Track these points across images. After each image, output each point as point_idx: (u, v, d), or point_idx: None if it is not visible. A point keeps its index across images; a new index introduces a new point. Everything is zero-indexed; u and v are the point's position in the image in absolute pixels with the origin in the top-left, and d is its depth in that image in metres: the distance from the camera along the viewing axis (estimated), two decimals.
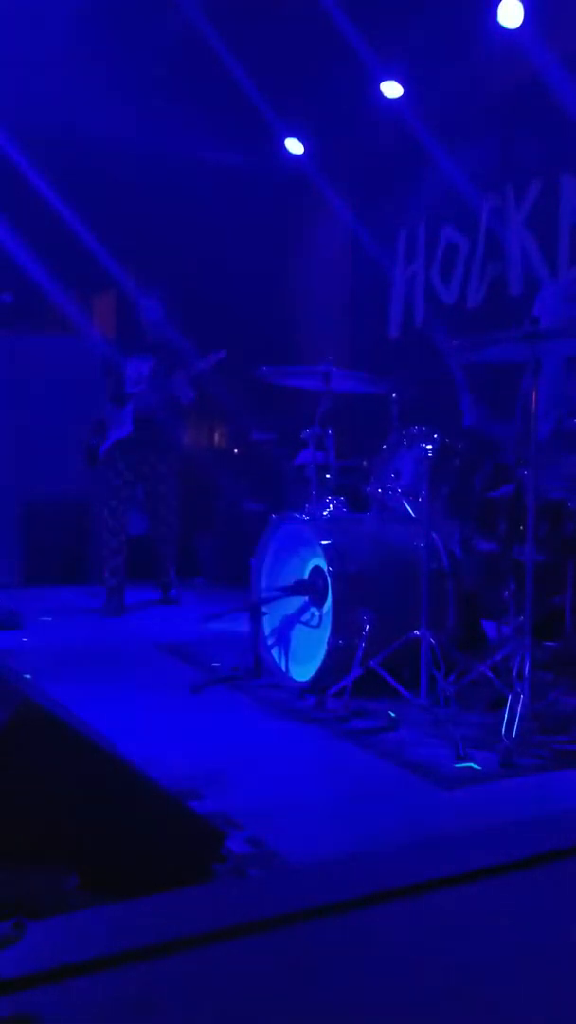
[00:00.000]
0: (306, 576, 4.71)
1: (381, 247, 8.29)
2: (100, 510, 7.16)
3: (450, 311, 7.58)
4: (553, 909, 1.13)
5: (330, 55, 6.74)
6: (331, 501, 4.86)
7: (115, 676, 4.94)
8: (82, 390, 7.93)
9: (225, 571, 7.80)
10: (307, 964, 0.98)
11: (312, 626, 4.65)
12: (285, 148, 8.33)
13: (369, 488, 4.71)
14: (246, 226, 8.85)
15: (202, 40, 6.63)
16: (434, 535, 4.52)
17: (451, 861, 1.22)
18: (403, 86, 7.11)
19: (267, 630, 4.82)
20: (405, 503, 4.52)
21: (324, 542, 4.47)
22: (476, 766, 3.43)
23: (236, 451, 9.12)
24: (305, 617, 4.72)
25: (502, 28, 6.14)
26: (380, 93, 7.17)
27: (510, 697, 3.62)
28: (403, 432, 4.60)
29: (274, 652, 4.79)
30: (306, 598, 4.71)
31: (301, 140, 8.29)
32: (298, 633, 4.75)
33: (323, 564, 4.47)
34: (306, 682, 4.46)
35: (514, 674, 3.72)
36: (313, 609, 4.67)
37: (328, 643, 4.35)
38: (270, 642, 4.81)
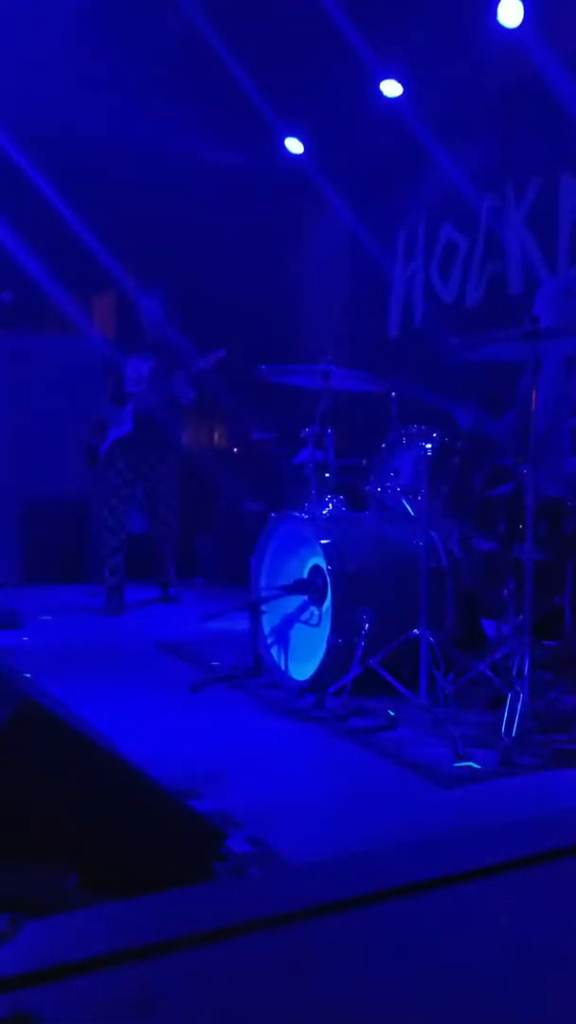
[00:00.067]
0: (305, 575, 4.71)
1: (381, 246, 8.29)
2: (100, 509, 7.17)
3: (449, 310, 7.58)
4: (553, 909, 1.13)
5: (330, 55, 6.73)
6: (330, 500, 4.86)
7: (115, 675, 4.94)
8: (82, 390, 7.94)
9: (225, 570, 7.80)
10: (307, 963, 0.98)
11: (311, 625, 4.65)
12: (285, 148, 8.33)
13: (368, 487, 4.71)
14: (246, 226, 8.85)
15: (202, 40, 6.63)
16: (433, 534, 4.52)
17: (451, 860, 1.22)
18: (403, 85, 7.10)
19: (266, 629, 4.82)
20: (404, 502, 4.52)
21: (323, 541, 4.47)
22: (475, 765, 3.43)
23: (236, 450, 9.12)
24: (304, 616, 4.72)
25: (502, 27, 6.14)
26: (380, 92, 7.17)
27: (510, 696, 3.62)
28: (402, 431, 4.60)
29: (273, 651, 4.79)
30: (305, 597, 4.71)
31: (301, 140, 8.28)
32: (297, 632, 4.75)
33: (322, 563, 4.47)
34: (305, 681, 4.46)
35: (514, 673, 3.72)
36: (312, 608, 4.67)
37: (327, 642, 4.35)
38: (269, 641, 4.81)
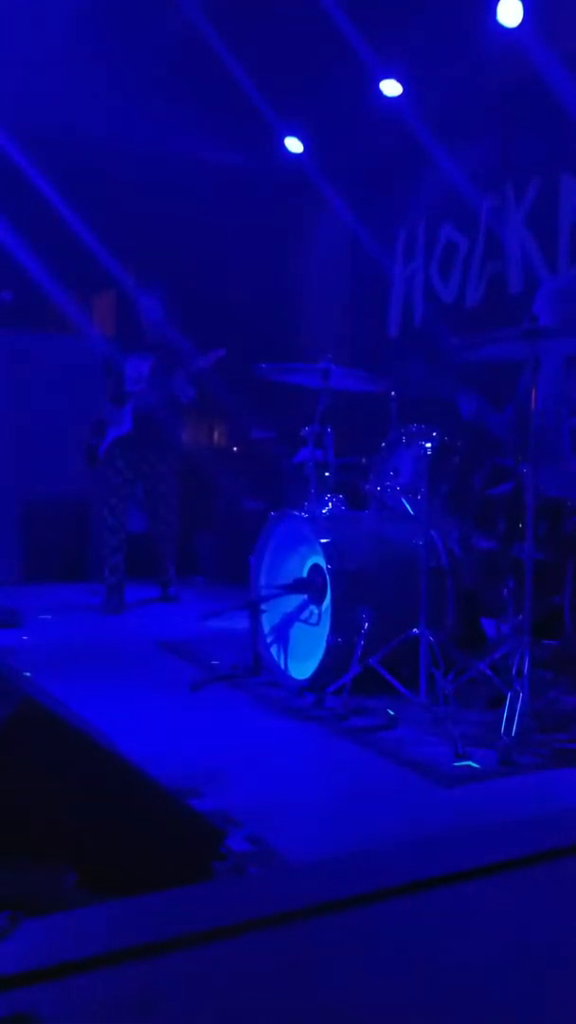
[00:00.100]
0: (305, 574, 4.71)
1: (381, 246, 8.29)
2: (100, 508, 7.17)
3: (449, 310, 7.58)
4: (552, 908, 1.13)
5: (329, 54, 6.73)
6: (330, 499, 4.86)
7: (114, 674, 4.94)
8: (82, 389, 7.95)
9: (224, 569, 7.80)
10: (307, 963, 0.98)
11: (311, 624, 4.65)
12: (285, 147, 8.33)
13: (368, 486, 4.71)
14: (246, 225, 8.85)
15: (202, 40, 6.63)
16: (433, 533, 4.52)
17: (450, 860, 1.22)
18: (403, 85, 7.10)
19: (266, 628, 4.82)
20: (404, 501, 4.52)
21: (323, 540, 4.47)
22: (475, 764, 3.43)
23: (235, 449, 9.12)
24: (304, 615, 4.72)
25: (501, 27, 6.14)
26: (380, 92, 7.17)
27: (509, 695, 3.62)
28: (402, 430, 4.60)
29: (273, 650, 4.79)
30: (305, 596, 4.71)
31: (301, 139, 8.28)
32: (297, 631, 4.75)
33: (322, 562, 4.47)
34: (305, 680, 4.46)
35: (513, 672, 3.72)
36: (312, 607, 4.67)
37: (327, 641, 4.35)
38: (269, 640, 4.81)
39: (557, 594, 4.07)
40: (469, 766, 3.42)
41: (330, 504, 4.84)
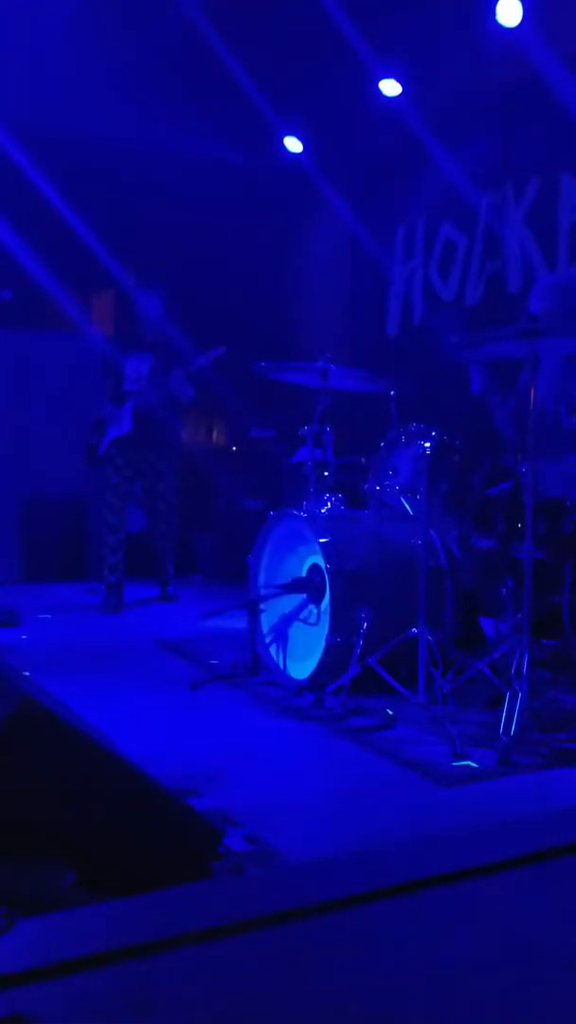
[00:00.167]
0: (304, 573, 4.71)
1: (380, 245, 8.29)
2: (99, 507, 7.17)
3: (448, 308, 7.57)
4: (551, 907, 1.13)
5: (329, 54, 6.73)
6: (329, 498, 4.86)
7: (114, 673, 4.94)
8: (82, 388, 7.95)
9: (224, 568, 7.80)
10: (305, 961, 0.98)
11: (310, 623, 4.65)
12: (284, 147, 8.33)
13: (367, 485, 4.71)
14: (245, 224, 8.85)
15: (202, 40, 6.63)
16: (432, 532, 4.52)
17: (449, 859, 1.22)
18: (402, 84, 7.10)
19: (265, 627, 4.82)
20: (403, 500, 4.52)
21: (322, 539, 4.47)
22: (473, 764, 3.43)
23: (235, 448, 9.12)
24: (303, 614, 4.72)
25: (501, 26, 6.14)
26: (379, 91, 7.17)
27: (508, 695, 3.62)
28: (401, 429, 4.59)
29: (272, 649, 4.79)
30: (304, 595, 4.71)
31: (300, 138, 8.28)
32: (296, 630, 4.75)
33: (321, 561, 4.47)
34: (304, 679, 4.46)
35: (512, 672, 3.72)
36: (311, 606, 4.67)
37: (326, 640, 4.35)
38: (268, 639, 4.81)
39: (556, 593, 4.07)
40: (468, 766, 3.42)
41: (329, 503, 4.83)
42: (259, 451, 8.52)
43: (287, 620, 4.79)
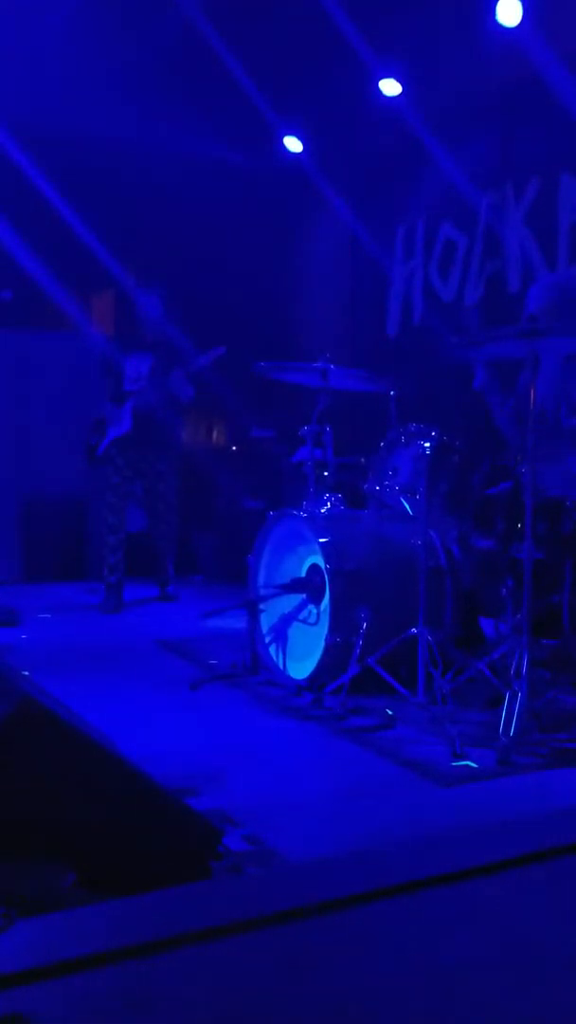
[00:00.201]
0: (304, 573, 4.71)
1: (380, 244, 8.29)
2: (99, 507, 7.17)
3: (448, 308, 7.57)
4: (551, 907, 1.13)
5: (329, 53, 6.73)
6: (329, 498, 4.86)
7: (113, 673, 4.94)
8: (82, 388, 7.95)
9: (223, 568, 7.80)
10: (305, 962, 0.98)
11: (310, 623, 4.65)
12: (284, 146, 8.33)
13: (367, 485, 4.71)
14: (245, 224, 8.85)
15: (202, 40, 6.63)
16: (432, 532, 4.52)
17: (449, 859, 1.22)
18: (402, 84, 7.10)
19: (265, 627, 4.82)
20: (403, 500, 4.51)
21: (322, 539, 4.47)
22: (473, 764, 3.43)
23: (235, 448, 9.12)
24: (303, 615, 4.72)
25: (501, 26, 6.14)
26: (379, 91, 7.17)
27: (508, 695, 3.62)
28: (401, 429, 4.59)
29: (272, 649, 4.79)
30: (304, 595, 4.71)
31: (300, 138, 8.28)
32: (296, 630, 4.75)
33: (321, 561, 4.47)
34: (304, 679, 4.46)
35: (512, 672, 3.71)
36: (311, 606, 4.67)
37: (326, 640, 4.35)
38: (268, 639, 4.81)
39: (556, 593, 4.07)
40: (468, 766, 3.42)
41: (329, 503, 4.83)
42: (259, 451, 8.52)
43: (287, 620, 4.79)
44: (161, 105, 7.77)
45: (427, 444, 4.33)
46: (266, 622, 4.83)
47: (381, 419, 4.81)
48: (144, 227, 8.20)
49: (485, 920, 1.08)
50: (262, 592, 4.82)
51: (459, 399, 5.13)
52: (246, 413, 8.63)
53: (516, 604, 4.03)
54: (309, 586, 4.65)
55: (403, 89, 7.12)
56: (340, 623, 4.33)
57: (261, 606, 4.77)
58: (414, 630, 4.15)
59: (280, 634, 4.80)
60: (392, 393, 4.84)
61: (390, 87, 7.14)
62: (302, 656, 4.59)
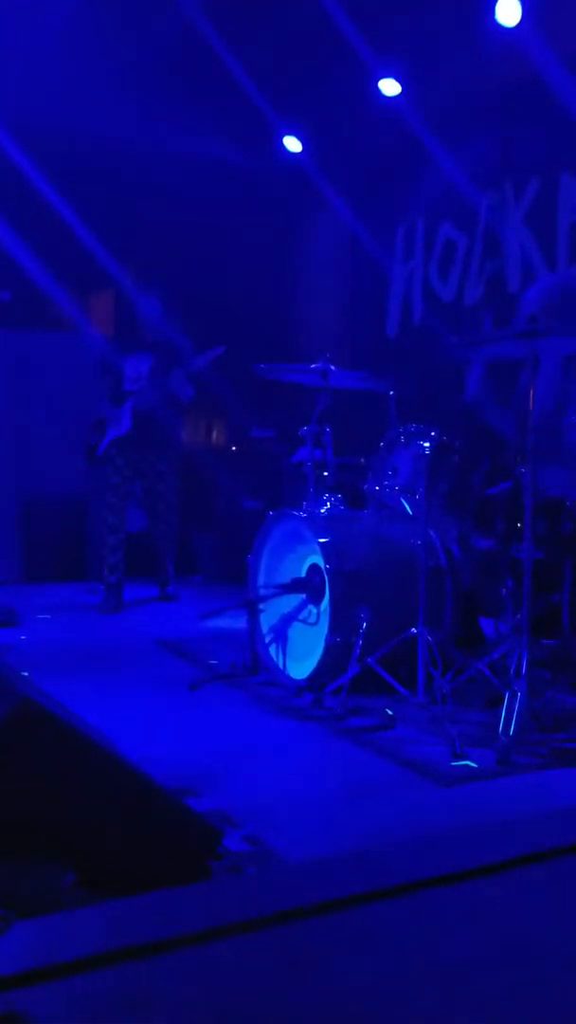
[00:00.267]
0: (303, 573, 4.71)
1: (380, 244, 8.29)
2: (99, 507, 7.17)
3: (448, 308, 7.57)
4: (551, 907, 1.13)
5: (329, 53, 6.73)
6: (329, 498, 4.86)
7: (113, 673, 4.94)
8: (82, 388, 7.94)
9: (223, 568, 7.80)
10: (305, 962, 0.98)
11: (310, 624, 4.65)
12: (284, 146, 8.33)
13: (367, 485, 4.70)
14: (245, 224, 8.85)
15: (202, 39, 6.63)
16: (432, 532, 4.52)
17: (448, 859, 1.22)
18: (401, 84, 7.10)
19: (265, 627, 4.82)
20: (403, 500, 4.51)
21: (321, 539, 4.47)
22: (473, 764, 3.43)
23: (234, 448, 9.13)
24: (303, 615, 4.72)
25: (501, 26, 6.14)
26: (379, 91, 7.17)
27: (507, 695, 3.62)
28: (401, 429, 4.59)
29: (272, 649, 4.79)
30: (304, 595, 4.71)
31: (299, 138, 8.28)
32: (296, 630, 4.75)
33: (320, 561, 4.47)
34: (303, 679, 4.46)
35: (512, 672, 3.71)
36: (311, 607, 4.67)
37: (325, 640, 4.35)
38: (268, 639, 4.81)
39: (556, 593, 4.07)
40: (467, 766, 3.42)
41: (328, 503, 4.83)
42: (259, 451, 8.52)
43: (287, 620, 4.79)
44: (161, 105, 7.77)
45: (427, 444, 4.33)
46: (266, 622, 4.83)
47: (381, 419, 4.81)
48: (144, 227, 8.20)
49: (485, 920, 1.08)
50: (262, 592, 4.82)
51: (459, 399, 5.12)
52: (246, 413, 8.63)
53: (516, 604, 4.03)
54: (309, 586, 4.65)
55: (403, 89, 7.11)
56: (340, 623, 4.33)
57: (261, 606, 4.77)
58: (414, 630, 4.15)
59: (280, 634, 4.79)
60: (392, 393, 4.84)
61: (390, 87, 7.14)
62: (302, 656, 4.59)
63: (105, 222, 8.15)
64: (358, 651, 4.20)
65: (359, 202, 8.47)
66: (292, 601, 4.75)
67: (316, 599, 4.59)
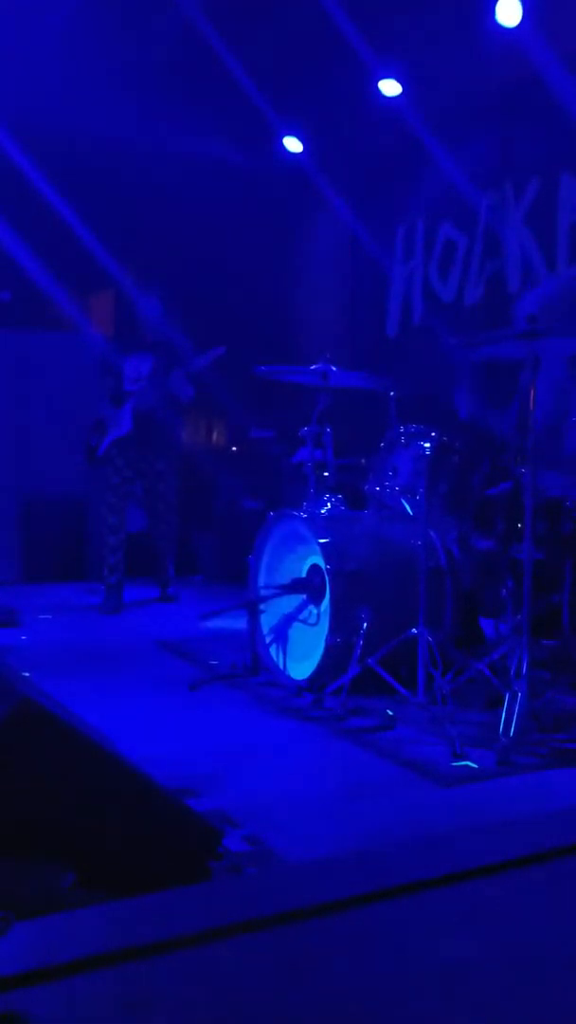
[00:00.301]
0: (304, 574, 4.71)
1: (380, 245, 8.29)
2: (99, 507, 7.17)
3: (448, 308, 7.58)
4: (551, 908, 1.13)
5: (329, 54, 6.73)
6: (329, 499, 4.86)
7: (113, 673, 4.94)
8: (82, 388, 7.94)
9: (224, 568, 7.80)
10: (305, 963, 0.98)
11: (310, 624, 4.65)
12: (284, 147, 8.33)
13: (367, 486, 4.70)
14: (245, 224, 8.85)
15: (202, 39, 6.63)
16: (432, 533, 4.52)
17: (449, 859, 1.22)
18: (402, 84, 7.10)
19: (265, 628, 4.82)
20: (403, 501, 4.51)
21: (322, 540, 4.47)
22: (473, 764, 3.43)
23: (235, 449, 9.12)
24: (303, 615, 4.72)
25: (501, 27, 6.13)
26: (379, 91, 7.17)
27: (507, 695, 3.62)
28: (401, 430, 4.59)
29: (272, 650, 4.79)
30: (304, 596, 4.71)
31: (300, 138, 8.28)
32: (296, 631, 4.75)
33: (321, 562, 4.47)
34: (304, 680, 4.46)
35: (512, 672, 3.71)
36: (311, 607, 4.67)
37: (326, 641, 4.35)
38: (268, 640, 4.81)
39: (556, 594, 4.07)
40: (467, 766, 3.42)
41: (329, 504, 4.83)
42: (259, 451, 8.52)
43: (287, 620, 4.79)
44: (161, 105, 7.77)
45: (427, 444, 4.33)
46: (266, 622, 4.82)
47: (381, 419, 4.81)
48: (144, 227, 8.19)
49: (485, 920, 1.08)
50: (262, 592, 4.82)
51: (458, 399, 5.12)
52: (246, 413, 8.63)
53: (516, 604, 4.03)
54: (309, 586, 4.65)
55: (403, 89, 7.12)
56: (340, 624, 4.33)
57: (261, 607, 4.77)
58: (414, 630, 4.15)
59: (280, 634, 4.79)
60: (392, 393, 4.83)
61: (390, 87, 7.14)
62: (302, 657, 4.59)
63: (105, 222, 8.14)
64: (358, 651, 4.20)
65: (359, 202, 8.47)
66: (292, 601, 4.75)
67: (316, 599, 4.59)
